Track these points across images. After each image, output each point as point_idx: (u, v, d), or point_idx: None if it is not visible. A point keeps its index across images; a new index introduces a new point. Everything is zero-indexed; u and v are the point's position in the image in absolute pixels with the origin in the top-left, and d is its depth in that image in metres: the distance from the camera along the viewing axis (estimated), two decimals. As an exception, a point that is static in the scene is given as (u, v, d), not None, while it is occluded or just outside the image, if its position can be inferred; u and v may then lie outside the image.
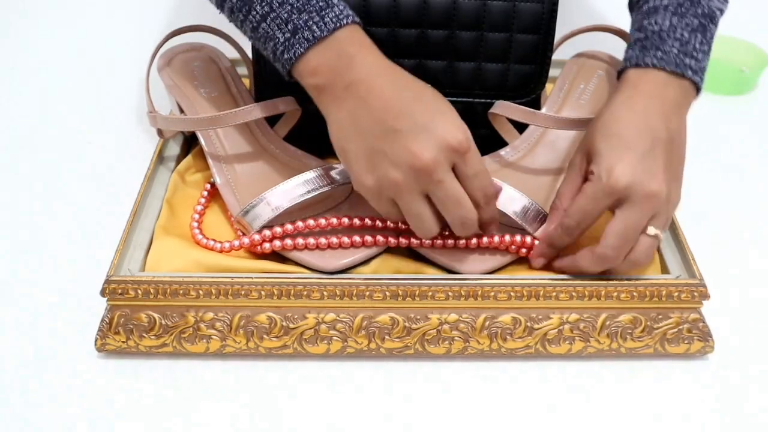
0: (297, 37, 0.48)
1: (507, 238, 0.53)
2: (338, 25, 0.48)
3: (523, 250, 0.54)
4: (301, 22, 0.48)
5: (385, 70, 0.49)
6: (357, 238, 0.53)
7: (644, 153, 0.49)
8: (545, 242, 0.53)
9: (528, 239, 0.54)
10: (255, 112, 0.57)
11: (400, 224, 0.53)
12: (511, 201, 0.53)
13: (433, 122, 0.47)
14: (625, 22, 0.63)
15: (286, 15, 0.48)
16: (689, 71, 0.52)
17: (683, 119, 0.53)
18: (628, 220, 0.49)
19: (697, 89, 0.53)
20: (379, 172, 0.47)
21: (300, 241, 0.53)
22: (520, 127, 0.63)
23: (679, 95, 0.52)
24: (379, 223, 0.54)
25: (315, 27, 0.48)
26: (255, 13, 0.49)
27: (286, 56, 0.49)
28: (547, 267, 0.54)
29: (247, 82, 0.71)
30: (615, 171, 0.49)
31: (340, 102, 0.48)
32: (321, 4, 0.48)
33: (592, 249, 0.50)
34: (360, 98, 0.47)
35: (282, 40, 0.48)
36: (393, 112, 0.47)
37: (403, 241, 0.54)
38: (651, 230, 0.49)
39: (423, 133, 0.46)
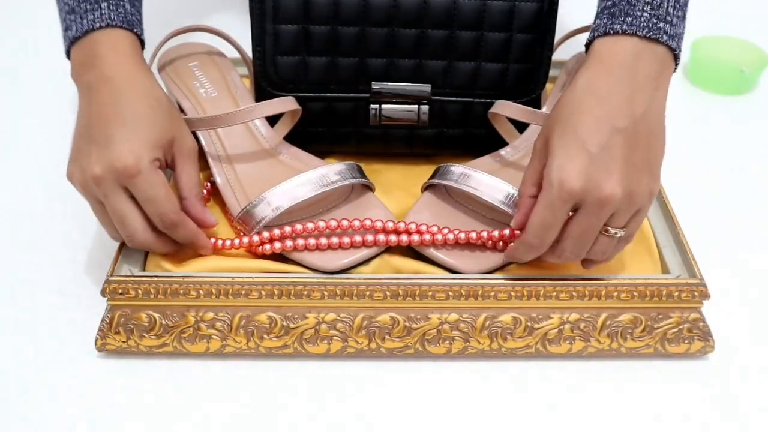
0: (66, 34, 0.54)
1: (496, 233, 0.52)
2: (93, 27, 0.52)
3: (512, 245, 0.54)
4: (68, 21, 0.54)
5: (117, 78, 0.51)
6: (357, 238, 0.53)
7: (599, 150, 0.45)
8: (510, 257, 0.51)
9: (517, 231, 0.53)
10: (255, 112, 0.57)
11: (402, 224, 0.53)
12: (494, 191, 0.53)
13: (114, 140, 0.48)
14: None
15: (64, 14, 0.55)
16: (664, 36, 0.47)
17: (658, 97, 0.48)
18: (583, 223, 0.46)
19: (676, 57, 0.49)
20: (72, 167, 0.50)
21: (300, 242, 0.53)
22: (521, 127, 0.63)
23: (654, 66, 0.48)
24: (379, 224, 0.54)
25: (74, 27, 0.53)
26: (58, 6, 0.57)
27: (64, 50, 0.55)
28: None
29: (247, 82, 0.71)
30: (565, 176, 0.45)
31: (81, 97, 0.52)
32: (88, 6, 0.53)
33: (552, 248, 0.49)
34: (87, 99, 0.51)
35: (63, 37, 0.55)
36: (99, 121, 0.50)
37: (403, 239, 0.54)
38: (610, 230, 0.47)
39: (102, 149, 0.48)
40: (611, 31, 0.48)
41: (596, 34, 0.49)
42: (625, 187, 0.46)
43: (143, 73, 0.52)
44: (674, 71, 0.50)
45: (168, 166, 0.52)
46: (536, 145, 0.50)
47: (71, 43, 0.53)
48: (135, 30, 0.54)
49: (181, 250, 0.54)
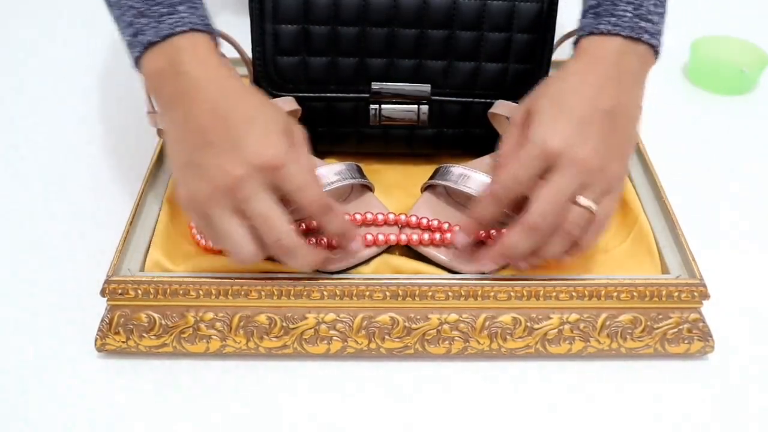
0: (136, 40, 0.49)
1: (493, 231, 0.53)
2: (174, 31, 0.48)
3: None
4: (140, 26, 0.49)
5: (213, 80, 0.48)
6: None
7: (582, 121, 0.47)
8: (472, 215, 0.50)
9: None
10: (255, 112, 0.57)
11: (403, 217, 0.53)
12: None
13: (245, 139, 0.45)
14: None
15: (129, 19, 0.50)
16: (645, 34, 0.50)
17: (638, 91, 0.51)
18: (556, 184, 0.47)
19: (656, 53, 0.52)
20: (191, 184, 0.46)
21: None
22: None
23: (635, 63, 0.51)
24: (380, 217, 0.54)
25: (150, 31, 0.48)
26: (112, 14, 0.52)
27: (131, 54, 0.50)
28: (478, 261, 0.52)
29: (246, 82, 0.71)
30: (548, 135, 0.47)
31: (168, 107, 0.48)
32: (163, 10, 0.49)
33: (521, 221, 0.47)
34: (183, 108, 0.47)
35: (127, 43, 0.50)
36: (210, 126, 0.46)
37: (403, 238, 0.54)
38: (582, 199, 0.47)
39: (234, 150, 0.45)
40: (596, 31, 0.51)
41: (583, 33, 0.52)
42: (600, 160, 0.47)
43: (233, 74, 0.49)
44: (654, 63, 0.53)
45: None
46: (515, 118, 0.51)
47: (145, 49, 0.49)
48: (213, 31, 0.51)
49: (181, 250, 0.54)
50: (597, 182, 0.47)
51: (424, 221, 0.54)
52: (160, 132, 0.63)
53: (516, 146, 0.49)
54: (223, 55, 0.52)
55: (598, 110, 0.48)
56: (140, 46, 0.49)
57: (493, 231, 0.53)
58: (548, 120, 0.48)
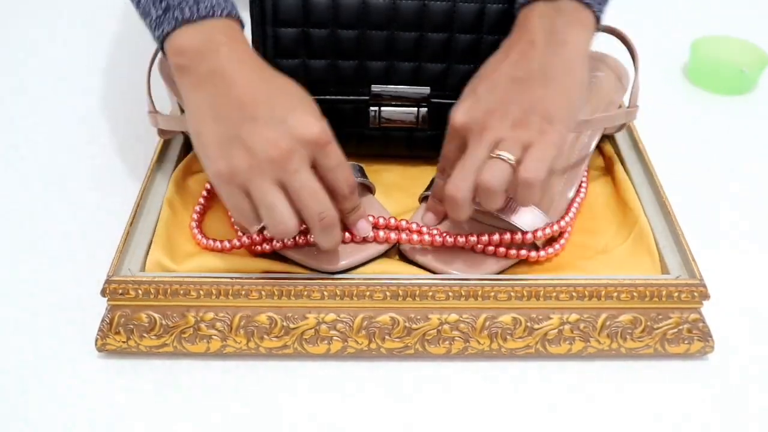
0: (167, 15, 0.49)
1: (496, 237, 0.53)
2: (211, 13, 0.49)
3: (512, 252, 0.54)
4: (175, 2, 0.49)
5: (251, 62, 0.49)
6: (357, 237, 0.53)
7: (486, 93, 0.50)
8: (433, 194, 0.55)
9: (518, 236, 0.53)
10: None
11: (404, 222, 0.54)
12: None
13: (292, 114, 0.46)
14: (624, 23, 0.63)
15: None
16: None
17: (565, 50, 0.50)
18: (468, 152, 0.49)
19: (589, 7, 0.51)
20: (233, 158, 0.46)
21: (300, 240, 0.53)
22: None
23: (561, 22, 0.50)
24: (381, 221, 0.54)
25: (186, 9, 0.49)
26: None
27: (156, 33, 0.50)
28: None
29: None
30: (453, 114, 0.50)
31: (201, 86, 0.48)
32: None
33: (441, 195, 0.50)
34: (221, 85, 0.47)
35: (155, 16, 0.50)
36: (253, 101, 0.47)
37: (403, 236, 0.54)
38: (501, 153, 0.47)
39: (281, 124, 0.46)
40: (521, 2, 0.53)
41: (516, 7, 0.54)
42: (509, 120, 0.48)
43: (263, 61, 0.50)
44: (597, 22, 0.52)
45: None
46: None
47: (177, 25, 0.49)
48: (241, 21, 0.52)
49: (182, 250, 0.54)
50: (510, 137, 0.48)
51: (424, 229, 0.54)
52: (160, 132, 0.63)
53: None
54: None
55: (512, 80, 0.49)
56: (173, 22, 0.49)
57: (484, 237, 0.53)
58: (460, 100, 0.51)
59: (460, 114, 0.50)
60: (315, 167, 0.47)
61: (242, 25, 0.52)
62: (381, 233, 0.53)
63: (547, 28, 0.50)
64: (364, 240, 0.53)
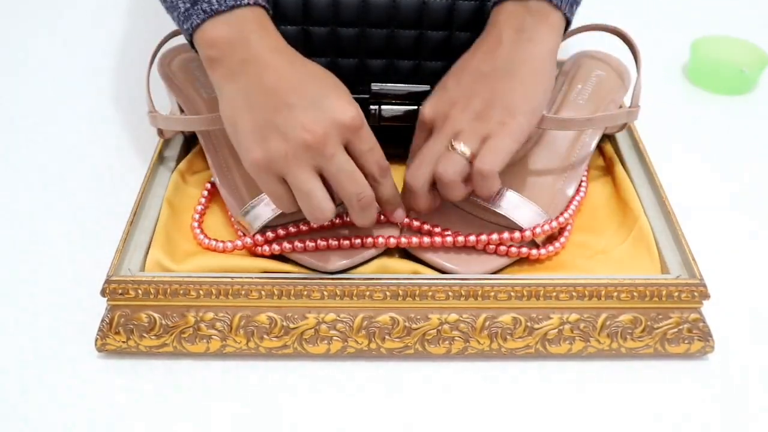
0: (196, 8, 0.49)
1: (495, 237, 0.53)
2: (239, 3, 0.49)
3: (513, 250, 0.54)
4: None
5: (281, 50, 0.49)
6: (357, 241, 0.53)
7: (453, 87, 0.51)
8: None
9: (516, 234, 0.53)
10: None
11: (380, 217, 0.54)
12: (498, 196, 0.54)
13: (326, 99, 0.47)
14: (624, 22, 0.63)
15: None
16: None
17: (530, 47, 0.51)
18: (427, 144, 0.51)
19: (556, 7, 0.52)
20: (269, 145, 0.46)
21: (299, 244, 0.53)
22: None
23: (530, 20, 0.51)
24: (382, 217, 0.54)
25: (214, 1, 0.49)
26: None
27: (184, 26, 0.50)
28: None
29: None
30: (421, 108, 0.53)
31: (234, 76, 0.48)
32: None
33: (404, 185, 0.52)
34: (254, 74, 0.48)
35: (183, 10, 0.50)
36: (286, 88, 0.47)
37: (403, 241, 0.54)
38: (455, 145, 0.49)
39: (315, 109, 0.46)
40: (497, 1, 0.54)
41: (489, 6, 0.55)
42: (471, 113, 0.50)
43: (293, 49, 0.51)
44: (566, 24, 0.53)
45: None
46: None
47: (208, 17, 0.49)
48: (268, 8, 0.52)
49: (182, 250, 0.54)
50: (470, 128, 0.49)
51: (426, 227, 0.54)
52: (160, 132, 0.63)
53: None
54: None
55: (479, 74, 0.51)
56: (202, 14, 0.49)
57: (483, 236, 0.53)
58: (430, 95, 0.53)
59: (427, 107, 0.52)
60: (348, 150, 0.48)
61: (269, 12, 0.51)
62: (380, 239, 0.53)
63: (515, 26, 0.52)
64: (363, 245, 0.53)
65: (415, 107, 0.62)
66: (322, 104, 0.47)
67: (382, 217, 0.55)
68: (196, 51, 0.51)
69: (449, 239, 0.53)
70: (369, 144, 0.48)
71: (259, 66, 0.48)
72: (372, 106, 0.62)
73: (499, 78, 0.51)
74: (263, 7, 0.51)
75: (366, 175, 0.49)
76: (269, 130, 0.47)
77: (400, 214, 0.53)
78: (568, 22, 0.53)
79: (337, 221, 0.54)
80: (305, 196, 0.47)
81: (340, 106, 0.47)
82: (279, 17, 0.58)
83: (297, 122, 0.46)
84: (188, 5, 0.49)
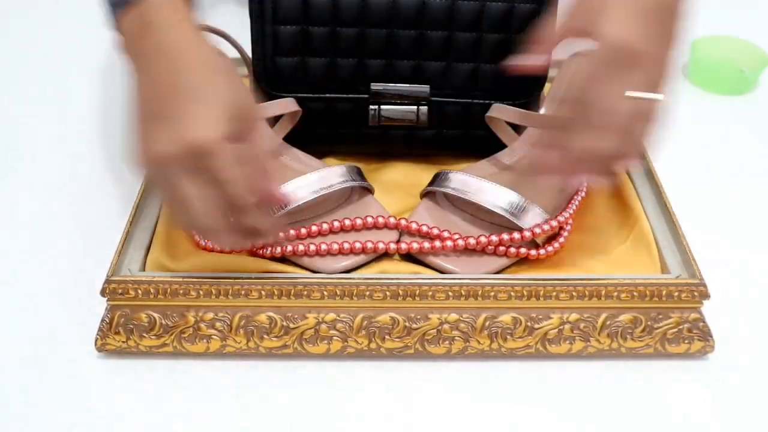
0: (114, 2, 0.48)
1: (495, 238, 0.53)
2: None
3: (512, 250, 0.54)
4: None
5: (175, 44, 0.46)
6: (357, 245, 0.53)
7: (646, 14, 0.48)
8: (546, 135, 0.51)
9: (516, 234, 0.53)
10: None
11: (404, 221, 0.53)
12: (494, 197, 0.53)
13: (186, 114, 0.43)
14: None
15: None
16: None
17: None
18: (625, 81, 0.49)
19: None
20: (140, 149, 0.44)
21: (300, 247, 0.53)
22: (519, 128, 0.63)
23: None
24: (380, 220, 0.54)
25: None
26: None
27: (108, 19, 0.50)
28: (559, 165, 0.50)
29: (246, 81, 0.71)
30: (620, 31, 0.47)
31: (135, 68, 0.47)
32: None
33: (590, 124, 0.48)
34: (145, 71, 0.46)
35: (107, 5, 0.50)
36: (161, 94, 0.45)
37: (403, 246, 0.54)
38: (634, 94, 0.49)
39: (171, 127, 0.43)
40: None
41: None
42: (655, 51, 0.49)
43: (199, 39, 0.47)
44: None
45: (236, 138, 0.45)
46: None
47: (119, 9, 0.48)
48: None
49: (182, 250, 0.54)
50: (650, 72, 0.49)
51: (424, 228, 0.54)
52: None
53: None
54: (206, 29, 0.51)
55: (657, 4, 0.48)
56: (121, 6, 0.48)
57: (483, 238, 0.53)
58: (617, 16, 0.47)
59: (630, 34, 0.47)
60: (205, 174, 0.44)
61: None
62: (380, 245, 0.53)
63: None
64: (363, 250, 0.53)
65: (414, 107, 0.62)
66: (178, 121, 0.43)
67: (380, 220, 0.55)
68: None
69: (449, 243, 0.53)
70: (222, 176, 0.43)
71: (147, 63, 0.46)
72: (372, 106, 0.62)
73: (670, 16, 0.49)
74: None
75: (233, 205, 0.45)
76: (144, 134, 0.45)
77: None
78: None
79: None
80: (175, 201, 0.45)
81: (193, 127, 0.43)
82: (278, 17, 0.58)
83: (156, 135, 0.44)
84: (108, 3, 0.50)
